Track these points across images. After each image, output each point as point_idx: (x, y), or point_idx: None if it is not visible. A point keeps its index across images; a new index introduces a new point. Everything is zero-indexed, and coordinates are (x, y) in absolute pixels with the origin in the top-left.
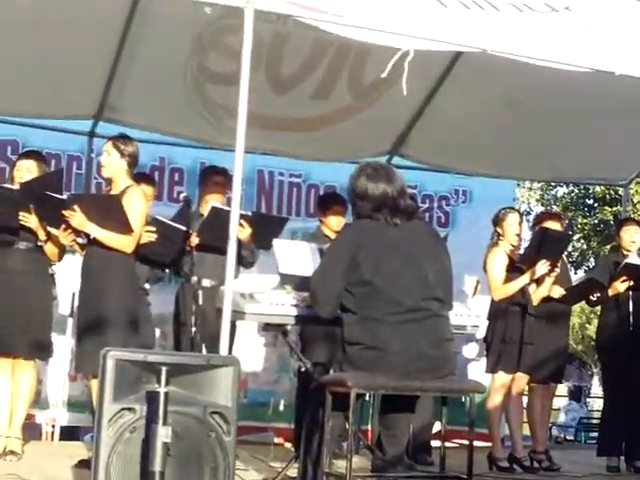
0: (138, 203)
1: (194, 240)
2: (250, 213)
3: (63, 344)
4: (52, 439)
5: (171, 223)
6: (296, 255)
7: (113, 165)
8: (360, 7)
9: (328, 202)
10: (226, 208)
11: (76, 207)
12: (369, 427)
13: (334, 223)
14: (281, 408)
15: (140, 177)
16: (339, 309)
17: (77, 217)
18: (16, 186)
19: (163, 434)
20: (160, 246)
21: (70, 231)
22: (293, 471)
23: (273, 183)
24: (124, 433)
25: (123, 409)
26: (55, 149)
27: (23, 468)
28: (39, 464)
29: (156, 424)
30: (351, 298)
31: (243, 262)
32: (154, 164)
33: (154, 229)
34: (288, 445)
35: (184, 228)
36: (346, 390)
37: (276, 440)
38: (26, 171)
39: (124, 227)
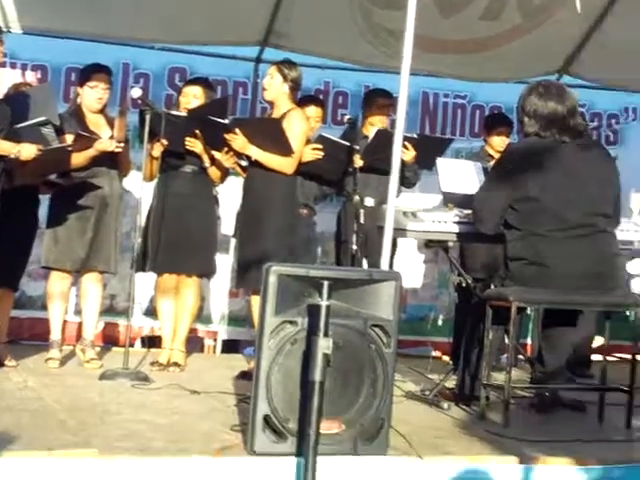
0: (298, 125)
1: (358, 162)
2: (415, 135)
3: (225, 263)
4: (214, 352)
5: (336, 139)
6: (460, 173)
7: (275, 88)
8: None
9: (494, 122)
10: (391, 131)
11: (237, 130)
12: (528, 341)
13: (498, 143)
14: (440, 322)
15: (308, 99)
16: (502, 226)
17: (239, 140)
18: (183, 113)
19: (324, 345)
20: (327, 163)
21: (232, 154)
22: (450, 383)
23: (437, 104)
24: (285, 345)
25: (285, 322)
26: (222, 75)
27: (185, 378)
28: (201, 375)
29: (317, 336)
30: (515, 215)
31: (405, 183)
32: (319, 88)
33: (321, 146)
34: (446, 358)
35: (348, 144)
36: (508, 304)
37: (434, 353)
38: (192, 97)
39: (284, 149)
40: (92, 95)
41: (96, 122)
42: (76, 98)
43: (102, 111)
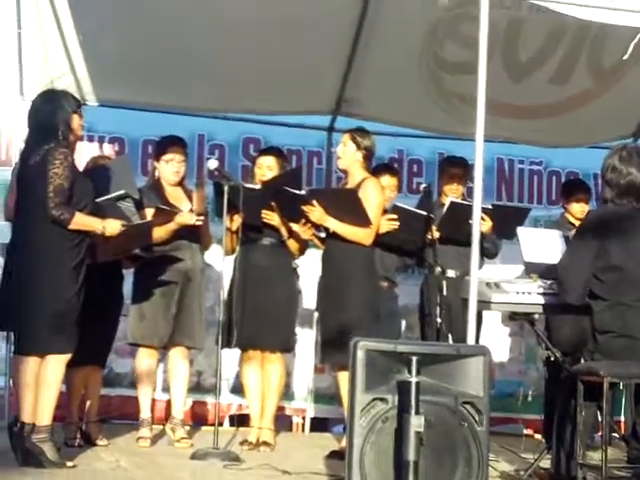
0: (374, 195)
1: (435, 233)
2: (490, 206)
3: (309, 337)
4: (302, 430)
5: (412, 209)
6: (541, 243)
7: (349, 157)
8: None
9: (572, 189)
10: (465, 203)
11: (314, 202)
12: (622, 418)
13: (577, 210)
14: (529, 399)
15: (382, 168)
16: (588, 296)
17: (316, 212)
18: (258, 185)
19: (416, 423)
20: (404, 233)
21: (309, 225)
22: (545, 462)
23: (513, 171)
24: (377, 423)
25: (375, 399)
26: (295, 145)
27: (276, 459)
28: (291, 455)
29: (409, 414)
30: (600, 285)
31: (486, 253)
32: (393, 156)
33: (396, 217)
34: (538, 436)
35: (425, 213)
36: (599, 380)
37: (526, 431)
38: (266, 169)
39: (362, 220)
40: (168, 169)
41: (175, 195)
42: (154, 172)
43: (181, 184)
